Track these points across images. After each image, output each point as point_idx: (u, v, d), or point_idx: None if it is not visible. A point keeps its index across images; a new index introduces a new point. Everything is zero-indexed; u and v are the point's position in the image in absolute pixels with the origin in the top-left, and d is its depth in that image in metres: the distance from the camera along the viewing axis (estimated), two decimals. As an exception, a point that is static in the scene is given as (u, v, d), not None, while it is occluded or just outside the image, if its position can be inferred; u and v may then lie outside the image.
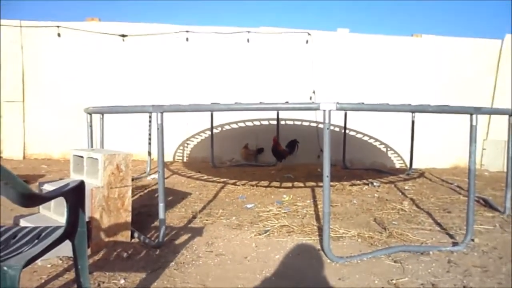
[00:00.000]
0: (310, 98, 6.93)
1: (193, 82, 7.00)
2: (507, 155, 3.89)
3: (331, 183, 5.09)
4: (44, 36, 6.98)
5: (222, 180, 5.32)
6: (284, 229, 3.23)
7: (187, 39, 6.95)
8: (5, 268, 1.24)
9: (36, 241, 1.57)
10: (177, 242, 2.98)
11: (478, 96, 7.00)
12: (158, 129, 2.78)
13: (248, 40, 6.94)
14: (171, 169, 6.19)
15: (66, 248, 2.65)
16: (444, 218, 3.71)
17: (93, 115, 3.63)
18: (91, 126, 3.59)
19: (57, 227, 1.65)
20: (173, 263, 2.59)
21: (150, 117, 5.81)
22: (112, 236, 2.87)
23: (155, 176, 5.50)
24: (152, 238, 3.04)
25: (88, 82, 7.03)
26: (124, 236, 2.95)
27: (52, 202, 2.88)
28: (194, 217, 3.61)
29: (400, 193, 4.71)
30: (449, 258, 2.73)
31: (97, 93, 6.96)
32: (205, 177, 5.55)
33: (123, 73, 7.02)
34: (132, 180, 5.06)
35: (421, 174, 6.22)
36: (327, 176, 2.53)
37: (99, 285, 2.27)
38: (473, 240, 3.04)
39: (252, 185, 5.02)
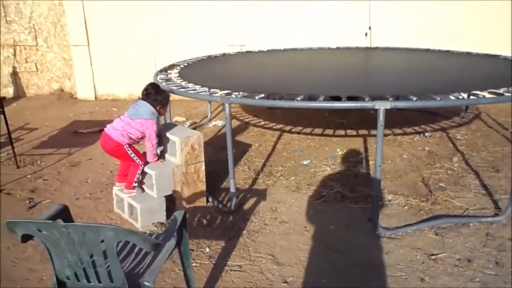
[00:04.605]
0: (366, 34, 6.82)
1: (253, 18, 7.06)
2: None
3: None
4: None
5: (278, 127, 5.69)
6: (338, 195, 3.64)
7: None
8: (145, 283, 1.75)
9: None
10: (245, 207, 3.50)
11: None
12: (226, 118, 3.13)
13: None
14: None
15: (158, 215, 3.28)
16: (491, 179, 3.91)
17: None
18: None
19: (168, 237, 2.12)
20: (245, 231, 3.13)
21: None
22: (191, 203, 3.44)
23: (216, 122, 5.97)
24: (224, 202, 3.58)
25: (147, 22, 7.26)
26: (201, 202, 3.51)
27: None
28: (256, 177, 4.08)
29: (451, 145, 4.87)
30: (488, 230, 3.05)
31: (157, 33, 7.26)
32: (262, 122, 5.93)
33: (181, 12, 7.14)
34: (194, 128, 5.58)
35: (477, 115, 6.20)
36: (379, 166, 2.83)
37: (189, 252, 2.85)
38: (514, 210, 3.29)
39: (307, 134, 5.37)
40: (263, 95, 3.07)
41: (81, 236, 1.64)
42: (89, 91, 7.70)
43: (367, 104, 2.81)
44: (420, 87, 3.75)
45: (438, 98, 2.89)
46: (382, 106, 2.69)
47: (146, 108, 3.25)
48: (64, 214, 2.12)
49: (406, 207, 3.42)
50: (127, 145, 3.20)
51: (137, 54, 7.35)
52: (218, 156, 4.55)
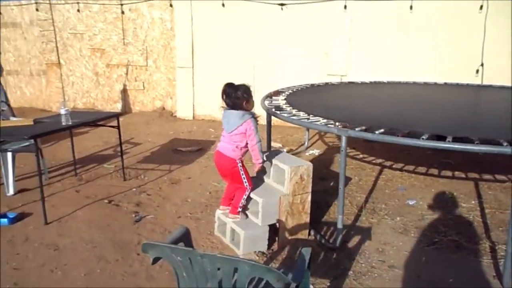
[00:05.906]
0: (477, 71, 6.37)
1: (355, 50, 6.99)
2: None
3: (497, 176, 4.84)
4: (210, 7, 7.58)
5: (378, 161, 5.44)
6: (452, 243, 3.32)
7: (345, 7, 6.85)
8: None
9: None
10: (349, 245, 3.32)
11: None
12: (341, 151, 3.03)
13: (411, 7, 6.54)
14: (326, 141, 6.49)
15: (260, 244, 3.22)
16: None
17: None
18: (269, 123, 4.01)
19: (298, 276, 2.01)
20: (351, 272, 2.95)
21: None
22: (294, 235, 3.34)
23: (313, 151, 5.89)
24: (326, 237, 3.44)
25: (248, 49, 7.53)
26: (303, 234, 3.40)
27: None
28: (359, 213, 3.89)
29: None
30: None
31: (256, 59, 7.46)
32: (360, 155, 5.73)
33: (282, 41, 7.31)
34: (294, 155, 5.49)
35: None
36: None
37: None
38: None
39: (410, 171, 5.06)
40: (382, 130, 2.92)
41: (215, 267, 1.62)
42: (188, 110, 8.08)
43: (505, 149, 2.54)
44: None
45: None
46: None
47: (234, 115, 3.21)
48: (185, 237, 2.15)
49: (537, 268, 3.01)
50: (240, 163, 3.22)
51: (236, 78, 7.57)
52: (316, 187, 4.40)
